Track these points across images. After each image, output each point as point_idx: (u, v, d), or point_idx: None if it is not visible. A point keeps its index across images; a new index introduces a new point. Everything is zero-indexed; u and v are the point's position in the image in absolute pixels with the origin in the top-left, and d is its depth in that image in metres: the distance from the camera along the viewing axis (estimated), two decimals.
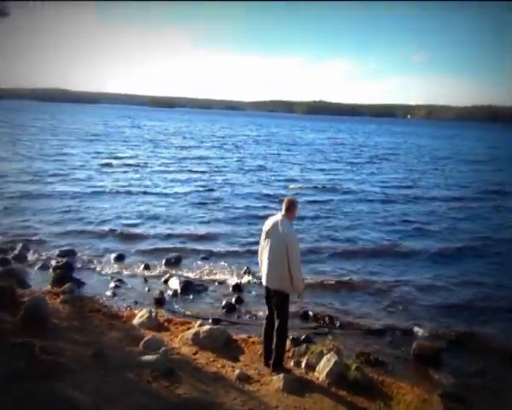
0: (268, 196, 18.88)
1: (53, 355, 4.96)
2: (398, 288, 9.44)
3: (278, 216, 5.38)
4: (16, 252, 10.20)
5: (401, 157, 39.86)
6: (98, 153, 30.87)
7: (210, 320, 7.37)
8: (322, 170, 28.37)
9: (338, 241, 12.77)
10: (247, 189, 20.40)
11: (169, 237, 12.54)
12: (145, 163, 27.37)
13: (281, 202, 5.57)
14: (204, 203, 16.90)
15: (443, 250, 12.20)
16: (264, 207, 16.36)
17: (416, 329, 7.58)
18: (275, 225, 5.32)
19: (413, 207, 18.01)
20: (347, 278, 9.85)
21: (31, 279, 8.84)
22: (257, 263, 5.90)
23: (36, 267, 9.58)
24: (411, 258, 11.52)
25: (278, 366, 5.52)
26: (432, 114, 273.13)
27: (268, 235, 5.37)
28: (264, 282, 5.49)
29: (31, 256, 10.24)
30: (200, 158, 31.73)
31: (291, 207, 5.39)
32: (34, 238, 11.57)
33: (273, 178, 23.97)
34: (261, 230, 5.55)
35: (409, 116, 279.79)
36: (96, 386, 4.52)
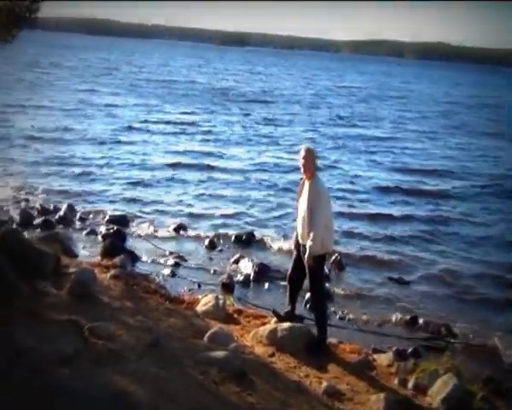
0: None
1: (104, 340, 5.17)
2: None
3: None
4: (61, 214, 10.82)
5: None
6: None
7: None
8: None
9: None
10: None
11: (240, 212, 12.65)
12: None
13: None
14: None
15: None
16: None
17: None
18: None
19: None
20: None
21: (77, 247, 9.30)
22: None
23: (83, 233, 10.13)
24: None
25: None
26: None
27: None
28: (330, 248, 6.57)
29: (77, 220, 10.86)
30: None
31: None
32: (81, 199, 12.27)
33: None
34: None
35: None
36: (154, 380, 4.65)
